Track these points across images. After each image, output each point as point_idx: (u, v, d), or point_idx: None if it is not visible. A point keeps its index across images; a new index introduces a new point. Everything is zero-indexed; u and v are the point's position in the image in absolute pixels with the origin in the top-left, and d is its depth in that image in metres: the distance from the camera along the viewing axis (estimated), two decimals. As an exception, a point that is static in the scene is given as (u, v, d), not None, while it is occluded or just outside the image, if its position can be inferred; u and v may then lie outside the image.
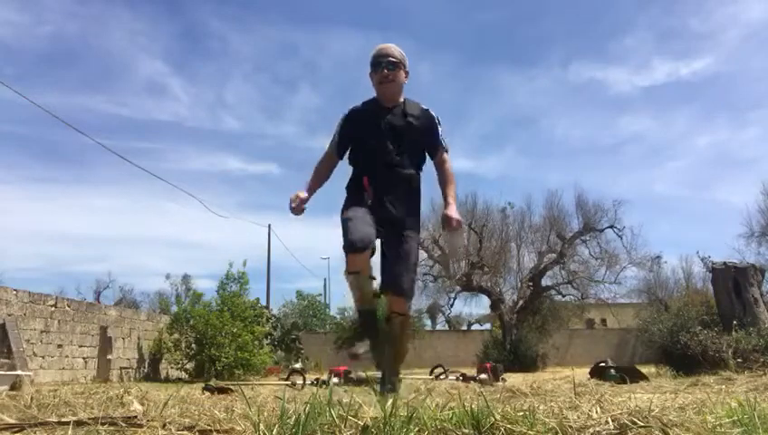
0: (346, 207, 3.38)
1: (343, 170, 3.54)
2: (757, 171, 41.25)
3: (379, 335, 3.35)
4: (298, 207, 3.32)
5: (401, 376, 3.47)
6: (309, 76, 55.77)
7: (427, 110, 3.50)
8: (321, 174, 3.52)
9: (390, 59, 3.40)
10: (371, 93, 3.53)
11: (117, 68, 44.67)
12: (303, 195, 3.33)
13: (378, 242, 3.32)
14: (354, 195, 3.40)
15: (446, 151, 3.52)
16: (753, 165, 42.31)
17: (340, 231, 3.22)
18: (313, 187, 3.46)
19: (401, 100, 3.49)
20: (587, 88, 46.98)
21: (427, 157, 3.55)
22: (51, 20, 41.15)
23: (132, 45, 43.87)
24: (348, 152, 3.56)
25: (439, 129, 3.50)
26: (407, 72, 3.49)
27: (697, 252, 9.67)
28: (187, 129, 50.02)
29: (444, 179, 3.53)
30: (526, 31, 51.43)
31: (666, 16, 45.47)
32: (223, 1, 51.40)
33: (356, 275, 3.24)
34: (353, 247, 3.14)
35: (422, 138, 3.45)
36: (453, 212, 3.38)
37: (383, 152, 3.36)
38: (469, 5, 49.62)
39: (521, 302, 20.23)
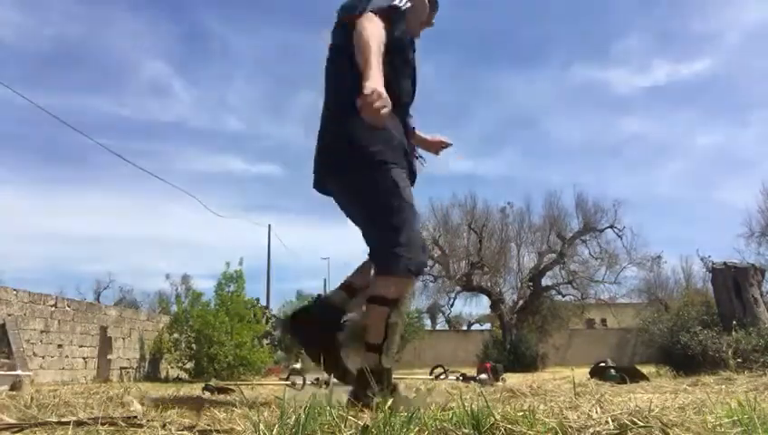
0: (393, 166, 2.29)
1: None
2: (757, 171, 41.27)
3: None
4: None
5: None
6: (311, 77, 55.75)
7: None
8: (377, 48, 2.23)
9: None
10: None
11: (119, 69, 44.72)
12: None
13: None
14: (394, 140, 2.36)
15: None
16: (754, 165, 42.34)
17: (386, 209, 2.23)
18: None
19: None
20: (587, 89, 46.96)
21: None
22: (54, 21, 41.21)
23: (134, 46, 43.95)
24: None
25: None
26: None
27: (698, 252, 9.68)
28: (189, 129, 50.06)
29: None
30: (527, 32, 51.43)
31: (666, 18, 45.51)
32: (224, 2, 51.43)
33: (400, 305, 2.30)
34: (420, 269, 2.30)
35: None
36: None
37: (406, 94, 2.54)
38: (470, 6, 49.60)
39: (521, 302, 20.27)
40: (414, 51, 2.59)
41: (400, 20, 2.42)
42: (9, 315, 9.68)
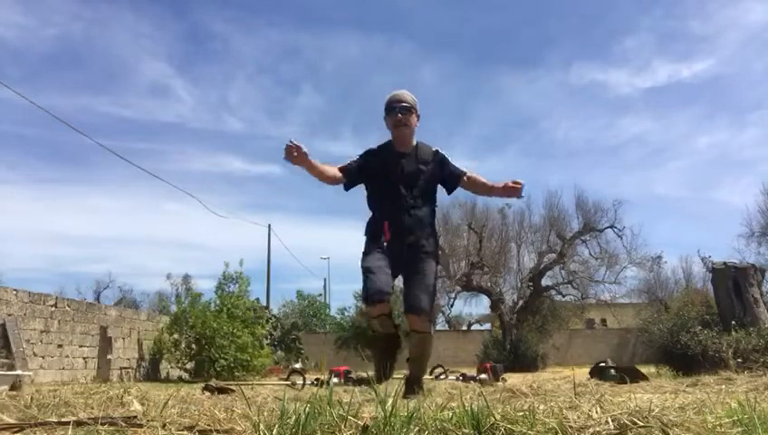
0: (365, 253, 3.60)
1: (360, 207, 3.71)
2: (757, 172, 41.27)
3: (388, 349, 3.59)
4: (296, 158, 3.32)
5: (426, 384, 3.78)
6: (311, 77, 55.76)
7: (438, 151, 3.76)
8: (328, 173, 3.55)
9: (403, 104, 3.64)
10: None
11: (121, 70, 44.64)
12: (306, 151, 3.33)
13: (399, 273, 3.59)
14: (373, 240, 3.62)
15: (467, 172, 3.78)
16: (753, 165, 42.32)
17: (360, 279, 3.48)
18: (316, 167, 3.47)
19: (414, 144, 3.73)
20: (588, 89, 46.97)
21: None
22: (56, 22, 41.21)
23: (136, 47, 43.90)
24: (366, 195, 3.76)
25: (452, 162, 3.76)
26: (418, 116, 3.71)
27: (698, 252, 9.67)
28: (189, 130, 50.07)
29: (482, 181, 3.73)
30: (528, 32, 51.44)
31: (667, 18, 45.48)
32: (226, 3, 51.41)
33: (379, 318, 3.51)
34: (373, 300, 3.43)
35: (436, 179, 3.73)
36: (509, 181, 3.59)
37: (399, 197, 3.58)
38: (471, 7, 49.62)
39: (521, 302, 20.24)
40: (403, 157, 3.66)
41: (351, 173, 3.63)
42: (9, 315, 9.67)
